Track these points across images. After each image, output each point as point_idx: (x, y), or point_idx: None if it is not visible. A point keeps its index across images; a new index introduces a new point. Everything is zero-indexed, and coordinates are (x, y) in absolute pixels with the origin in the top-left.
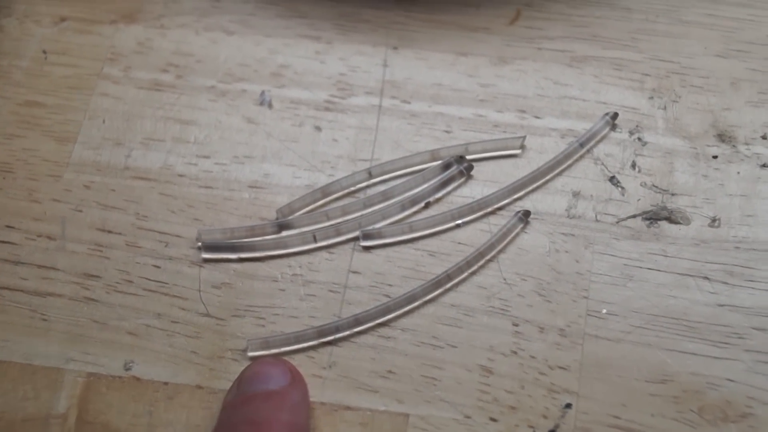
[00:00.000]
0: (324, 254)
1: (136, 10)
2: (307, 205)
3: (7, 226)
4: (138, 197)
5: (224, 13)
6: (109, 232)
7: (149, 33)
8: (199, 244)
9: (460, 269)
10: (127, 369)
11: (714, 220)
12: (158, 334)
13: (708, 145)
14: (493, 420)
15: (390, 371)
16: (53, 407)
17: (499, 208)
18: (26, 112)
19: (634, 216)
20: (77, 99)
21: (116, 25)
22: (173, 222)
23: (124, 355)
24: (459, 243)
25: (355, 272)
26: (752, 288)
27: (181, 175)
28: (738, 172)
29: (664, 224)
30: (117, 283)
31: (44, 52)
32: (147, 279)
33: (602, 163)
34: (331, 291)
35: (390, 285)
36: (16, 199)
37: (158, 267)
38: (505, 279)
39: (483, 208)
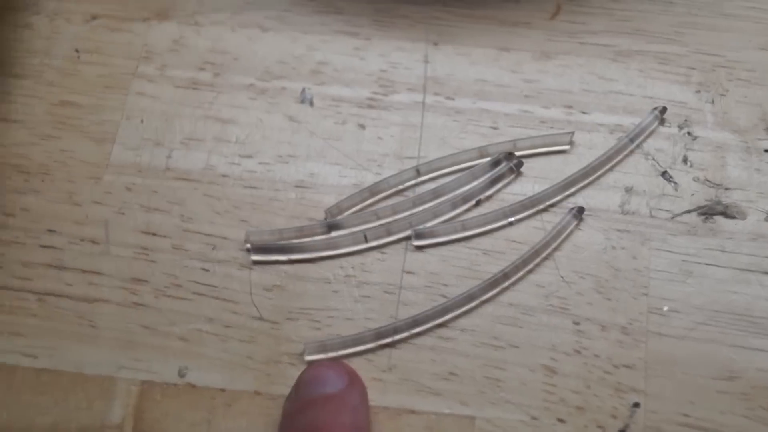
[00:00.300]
0: (376, 254)
1: (168, 7)
2: (356, 205)
3: (49, 230)
4: (181, 199)
5: (259, 10)
6: (154, 234)
7: (183, 30)
8: (248, 245)
9: (516, 268)
10: (182, 376)
11: None
12: (211, 340)
13: (759, 139)
14: (561, 421)
15: (452, 373)
16: (107, 417)
17: (552, 205)
18: (61, 112)
19: (689, 211)
20: (113, 98)
21: (149, 23)
22: (219, 223)
23: (177, 362)
24: (513, 241)
25: (409, 272)
26: None
27: (224, 176)
28: None
29: (719, 219)
30: (165, 287)
31: (77, 50)
32: (196, 282)
33: (653, 158)
34: (386, 292)
35: (445, 285)
36: (56, 202)
37: (207, 270)
38: (562, 277)
39: (535, 205)
